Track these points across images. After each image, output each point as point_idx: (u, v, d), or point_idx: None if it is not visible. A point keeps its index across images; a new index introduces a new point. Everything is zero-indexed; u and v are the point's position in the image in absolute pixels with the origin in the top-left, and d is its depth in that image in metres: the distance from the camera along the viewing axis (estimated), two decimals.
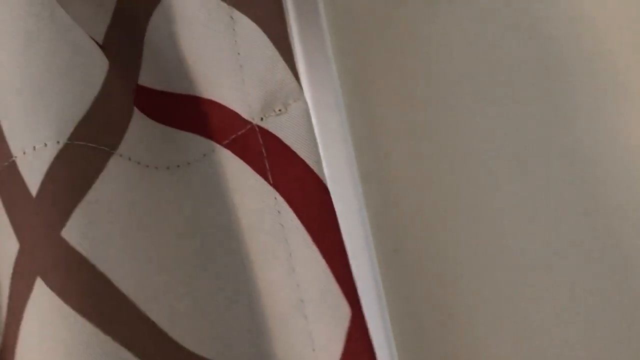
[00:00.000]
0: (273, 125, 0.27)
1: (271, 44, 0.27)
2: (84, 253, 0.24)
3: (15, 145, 0.26)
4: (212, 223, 0.28)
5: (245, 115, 0.28)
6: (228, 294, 0.28)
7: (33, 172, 0.25)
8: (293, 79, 0.27)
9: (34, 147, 0.25)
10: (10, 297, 0.26)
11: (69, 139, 0.26)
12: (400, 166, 0.39)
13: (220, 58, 0.28)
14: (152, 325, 0.25)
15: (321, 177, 0.27)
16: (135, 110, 0.30)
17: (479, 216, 0.37)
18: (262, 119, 0.28)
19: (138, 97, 0.30)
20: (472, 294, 0.37)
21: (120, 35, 0.30)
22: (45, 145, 0.25)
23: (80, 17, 0.29)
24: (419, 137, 0.39)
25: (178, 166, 0.29)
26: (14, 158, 0.26)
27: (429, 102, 0.39)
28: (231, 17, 0.28)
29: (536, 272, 0.36)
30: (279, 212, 0.27)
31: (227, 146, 0.29)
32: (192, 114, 0.30)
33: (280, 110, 0.27)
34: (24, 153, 0.25)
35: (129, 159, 0.28)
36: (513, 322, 0.36)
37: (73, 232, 0.24)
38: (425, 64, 0.40)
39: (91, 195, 0.25)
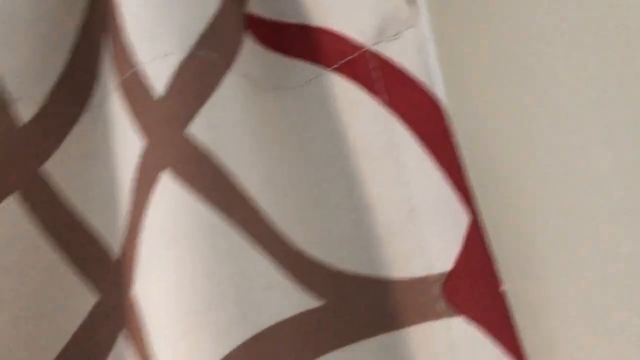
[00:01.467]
0: (387, 50, 0.28)
1: None
2: (210, 146, 0.26)
3: (143, 54, 0.27)
4: (320, 144, 0.29)
5: (357, 40, 0.29)
6: (338, 205, 0.28)
7: (159, 77, 0.27)
8: (407, 7, 0.29)
9: (160, 56, 0.27)
10: (135, 191, 0.27)
11: (191, 50, 0.27)
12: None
13: None
14: (271, 223, 0.27)
15: (439, 97, 0.28)
16: (246, 34, 0.31)
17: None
18: (374, 44, 0.29)
19: (248, 24, 0.31)
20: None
21: None
22: (170, 55, 0.27)
23: None
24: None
25: (289, 88, 0.30)
26: (141, 64, 0.27)
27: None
28: None
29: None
30: (393, 130, 0.28)
31: (336, 70, 0.29)
32: (301, 41, 0.30)
33: (395, 35, 0.29)
34: (151, 60, 0.27)
35: (244, 76, 0.29)
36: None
37: (199, 128, 0.26)
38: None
39: (213, 100, 0.27)
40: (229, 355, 0.23)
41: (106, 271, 0.28)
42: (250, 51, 0.30)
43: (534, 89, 0.35)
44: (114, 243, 0.28)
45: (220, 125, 0.27)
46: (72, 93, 0.30)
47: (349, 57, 0.29)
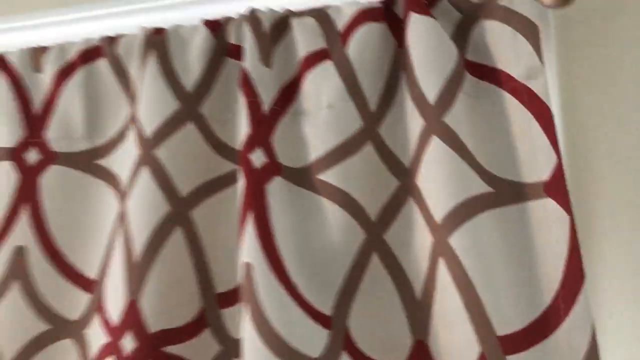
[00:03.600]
0: (530, 84, 0.50)
1: None
2: None
3: None
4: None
5: (518, 77, 0.51)
6: None
7: None
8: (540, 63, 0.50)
9: None
10: None
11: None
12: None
13: None
14: None
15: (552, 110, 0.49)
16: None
17: None
18: (525, 80, 0.50)
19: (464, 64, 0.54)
20: None
21: None
22: None
23: None
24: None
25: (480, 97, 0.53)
26: None
27: None
28: None
29: None
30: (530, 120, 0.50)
31: (506, 91, 0.52)
32: (491, 75, 0.53)
33: (534, 78, 0.50)
34: None
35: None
36: None
37: None
38: None
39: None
40: None
41: None
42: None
43: None
44: None
45: None
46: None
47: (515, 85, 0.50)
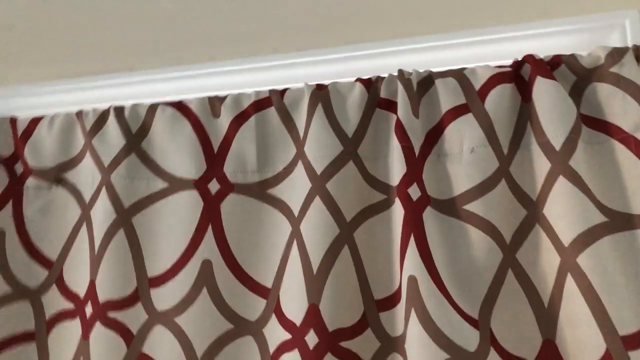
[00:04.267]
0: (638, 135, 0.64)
1: None
2: None
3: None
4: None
5: (628, 130, 0.64)
6: None
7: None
8: None
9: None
10: None
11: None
12: None
13: None
14: None
15: None
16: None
17: None
18: (634, 132, 0.64)
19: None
20: None
21: None
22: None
23: None
24: None
25: (593, 143, 0.66)
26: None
27: None
28: None
29: None
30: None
31: (617, 140, 0.64)
32: (599, 125, 0.67)
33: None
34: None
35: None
36: None
37: None
38: None
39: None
40: None
41: None
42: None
43: None
44: None
45: None
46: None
47: (624, 135, 0.64)
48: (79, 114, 0.81)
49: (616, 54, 0.65)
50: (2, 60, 0.93)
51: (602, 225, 0.60)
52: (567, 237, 0.60)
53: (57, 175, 0.81)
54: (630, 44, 0.69)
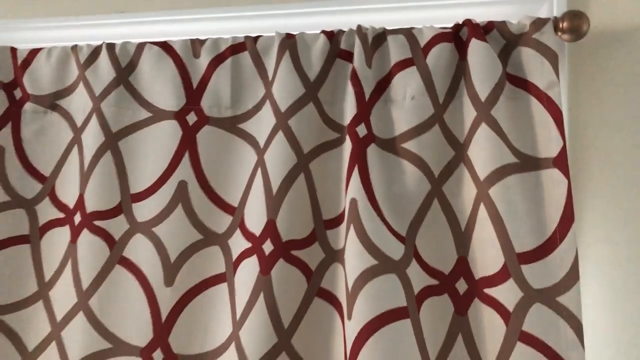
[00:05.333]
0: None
1: None
2: None
3: None
4: None
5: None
6: None
7: None
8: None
9: None
10: None
11: None
12: None
13: None
14: None
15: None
16: None
17: None
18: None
19: None
20: None
21: None
22: None
23: None
24: None
25: None
26: None
27: None
28: None
29: None
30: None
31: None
32: None
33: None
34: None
35: None
36: None
37: None
38: None
39: None
40: None
41: None
42: None
43: None
44: None
45: None
46: None
47: (538, 92, 0.76)
48: (74, 48, 0.91)
49: (539, 23, 0.76)
50: None
51: (512, 165, 0.72)
52: (483, 172, 0.72)
53: (52, 102, 0.92)
54: (556, 15, 0.80)
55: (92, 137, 0.86)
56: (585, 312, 0.76)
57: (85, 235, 0.82)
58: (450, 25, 0.80)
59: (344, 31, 0.82)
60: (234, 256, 0.80)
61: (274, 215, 0.76)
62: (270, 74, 0.84)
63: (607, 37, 0.81)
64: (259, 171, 0.79)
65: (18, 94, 0.92)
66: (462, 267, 0.74)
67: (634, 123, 0.79)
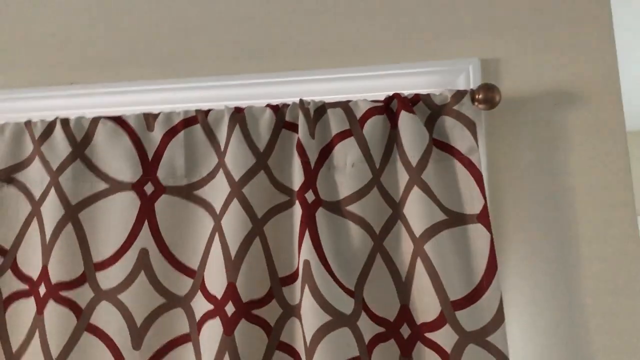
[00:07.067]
0: None
1: None
2: None
3: None
4: None
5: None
6: None
7: None
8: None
9: None
10: None
11: None
12: None
13: None
14: None
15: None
16: None
17: None
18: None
19: None
20: None
21: None
22: None
23: None
24: None
25: None
26: None
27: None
28: None
29: None
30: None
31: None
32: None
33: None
34: None
35: None
36: None
37: None
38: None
39: None
40: None
41: None
42: None
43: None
44: None
45: None
46: None
47: (461, 156, 0.88)
48: (28, 124, 0.95)
49: (458, 95, 0.87)
50: None
51: (442, 222, 0.83)
52: (418, 230, 0.83)
53: (9, 175, 0.95)
54: (472, 85, 0.92)
55: (52, 210, 0.90)
56: (511, 348, 0.87)
57: (52, 306, 0.86)
58: (382, 94, 0.90)
59: (287, 104, 0.91)
60: (197, 317, 0.87)
61: (234, 279, 0.83)
62: (222, 144, 0.92)
63: (517, 104, 0.93)
64: (216, 237, 0.86)
65: None
66: (405, 313, 0.84)
67: (546, 179, 0.92)
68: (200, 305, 0.87)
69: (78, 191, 0.91)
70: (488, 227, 0.83)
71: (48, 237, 0.89)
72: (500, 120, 0.94)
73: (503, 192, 0.92)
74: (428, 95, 0.89)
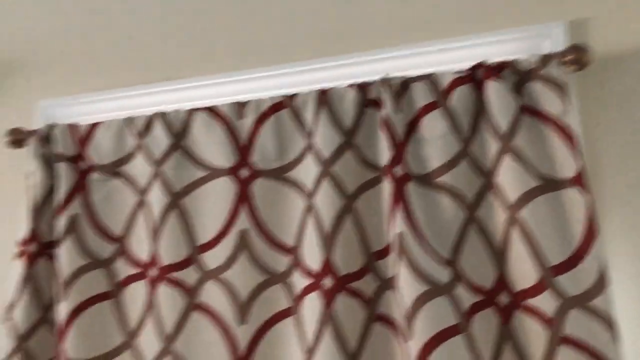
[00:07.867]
0: None
1: None
2: None
3: None
4: None
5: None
6: None
7: None
8: None
9: None
10: None
11: None
12: None
13: None
14: None
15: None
16: None
17: None
18: None
19: None
20: None
21: None
22: None
23: None
24: None
25: None
26: None
27: None
28: None
29: None
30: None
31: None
32: None
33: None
34: None
35: None
36: None
37: None
38: None
39: None
40: None
41: None
42: None
43: None
44: None
45: None
46: None
47: (552, 119, 0.86)
48: (129, 120, 1.02)
49: (546, 59, 0.86)
50: (59, 75, 1.14)
51: (537, 188, 0.82)
52: (512, 197, 0.82)
53: (113, 170, 1.03)
54: (559, 48, 0.90)
55: (157, 198, 0.96)
56: (619, 313, 0.85)
57: (162, 287, 0.93)
58: (467, 66, 0.90)
59: (370, 82, 0.93)
60: (296, 292, 0.90)
61: (329, 254, 0.86)
62: (309, 126, 0.95)
63: (609, 63, 0.90)
64: (310, 215, 0.90)
65: (83, 165, 1.03)
66: (502, 281, 0.84)
67: None
68: (299, 281, 0.90)
69: (180, 179, 0.98)
70: (586, 190, 0.81)
71: (155, 223, 0.95)
72: (592, 80, 0.91)
73: (598, 155, 0.90)
74: (514, 61, 0.88)
